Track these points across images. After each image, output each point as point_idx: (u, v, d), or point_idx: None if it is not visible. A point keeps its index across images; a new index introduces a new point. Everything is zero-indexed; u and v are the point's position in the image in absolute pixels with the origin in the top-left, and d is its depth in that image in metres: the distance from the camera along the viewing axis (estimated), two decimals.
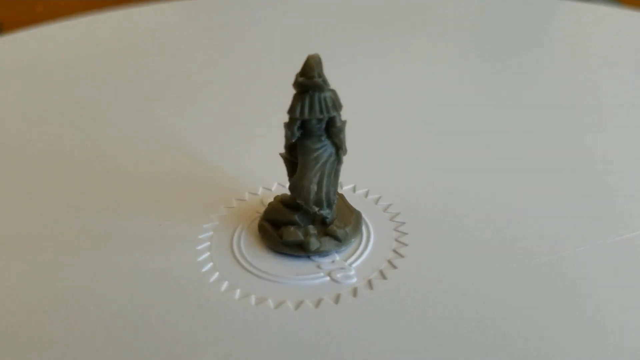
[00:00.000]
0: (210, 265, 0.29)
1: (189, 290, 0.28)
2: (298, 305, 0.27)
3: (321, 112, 0.26)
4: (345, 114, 0.27)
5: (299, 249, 0.29)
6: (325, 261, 0.29)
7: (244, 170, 0.35)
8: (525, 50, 0.54)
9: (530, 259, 0.29)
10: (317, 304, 0.27)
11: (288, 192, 0.29)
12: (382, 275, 0.28)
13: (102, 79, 0.50)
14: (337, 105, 0.26)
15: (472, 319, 0.26)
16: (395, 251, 0.29)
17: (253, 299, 0.27)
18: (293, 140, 0.27)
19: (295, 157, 0.28)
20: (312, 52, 0.26)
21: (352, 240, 0.30)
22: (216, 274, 0.28)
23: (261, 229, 0.30)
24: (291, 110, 0.26)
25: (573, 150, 0.37)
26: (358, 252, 0.29)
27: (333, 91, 0.26)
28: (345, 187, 0.34)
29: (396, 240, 0.30)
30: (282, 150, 0.28)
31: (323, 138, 0.27)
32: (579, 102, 0.43)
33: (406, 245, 0.30)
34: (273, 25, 0.60)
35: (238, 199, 0.33)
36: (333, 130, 0.27)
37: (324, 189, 0.28)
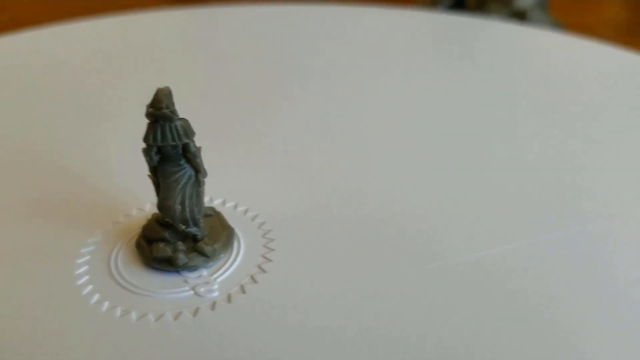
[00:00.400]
0: (86, 278, 0.31)
1: (59, 300, 0.30)
2: (158, 318, 0.29)
3: (173, 139, 0.29)
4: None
5: (168, 265, 0.31)
6: (192, 276, 0.31)
7: (134, 186, 0.37)
8: (445, 65, 0.56)
9: (407, 259, 0.31)
10: (177, 316, 0.29)
11: None
12: (242, 289, 0.30)
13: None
14: (188, 133, 0.29)
15: (331, 320, 0.28)
16: (259, 266, 0.31)
17: (118, 311, 0.29)
18: (153, 165, 0.30)
19: (158, 178, 0.30)
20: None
21: (222, 255, 0.32)
22: (90, 287, 0.30)
23: (137, 246, 0.32)
24: (145, 138, 0.29)
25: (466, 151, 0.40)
26: (226, 266, 0.31)
27: (184, 120, 0.29)
28: (215, 202, 0.36)
29: (262, 256, 0.32)
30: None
31: (182, 162, 0.30)
32: (496, 110, 0.46)
33: (271, 261, 0.32)
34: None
35: (126, 214, 0.35)
36: (188, 156, 0.30)
37: (187, 209, 0.30)
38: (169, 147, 0.29)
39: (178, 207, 0.30)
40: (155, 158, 0.30)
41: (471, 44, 0.59)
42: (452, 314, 0.29)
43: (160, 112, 0.28)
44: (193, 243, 0.31)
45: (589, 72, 0.53)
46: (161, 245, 0.31)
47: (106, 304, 0.30)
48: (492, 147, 0.42)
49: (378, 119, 0.46)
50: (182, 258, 0.30)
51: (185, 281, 0.31)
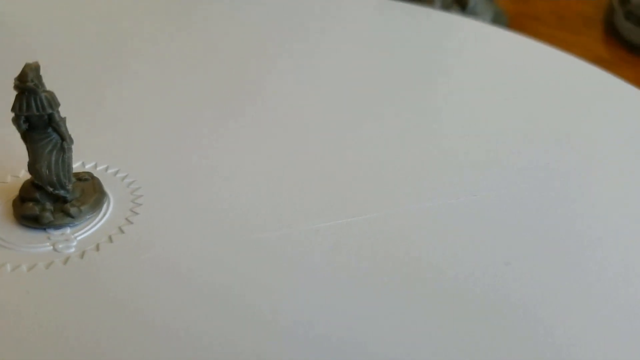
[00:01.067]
0: None
1: None
2: (14, 268, 0.32)
3: (37, 110, 0.32)
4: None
5: (35, 222, 0.34)
6: (57, 234, 0.34)
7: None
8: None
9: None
10: (30, 268, 0.32)
11: None
12: (97, 247, 0.33)
13: None
14: (53, 104, 0.32)
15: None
16: (120, 228, 0.34)
17: None
18: (22, 132, 0.33)
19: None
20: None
21: (88, 217, 0.34)
22: None
23: (13, 204, 0.35)
24: (12, 108, 0.32)
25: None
26: (90, 226, 0.34)
27: (50, 92, 0.32)
28: (88, 165, 0.39)
29: (126, 218, 0.35)
30: None
31: (49, 130, 0.33)
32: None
33: (132, 223, 0.35)
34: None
35: (13, 175, 0.38)
36: (53, 125, 0.33)
37: (54, 173, 0.33)
38: (35, 117, 0.32)
39: (45, 171, 0.33)
40: (24, 126, 0.33)
41: (402, 30, 0.61)
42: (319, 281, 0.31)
43: (25, 85, 0.31)
44: (62, 204, 0.34)
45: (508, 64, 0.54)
46: (30, 204, 0.34)
47: None
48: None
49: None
50: (47, 216, 0.33)
51: (49, 238, 0.34)
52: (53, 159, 0.33)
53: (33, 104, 0.32)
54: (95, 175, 0.37)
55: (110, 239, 0.34)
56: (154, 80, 0.49)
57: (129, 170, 0.38)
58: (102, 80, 0.49)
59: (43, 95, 0.32)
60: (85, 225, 0.34)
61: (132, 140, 0.42)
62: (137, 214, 0.35)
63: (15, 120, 0.32)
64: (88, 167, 0.38)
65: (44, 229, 0.34)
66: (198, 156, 0.40)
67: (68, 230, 0.34)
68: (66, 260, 0.32)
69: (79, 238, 0.34)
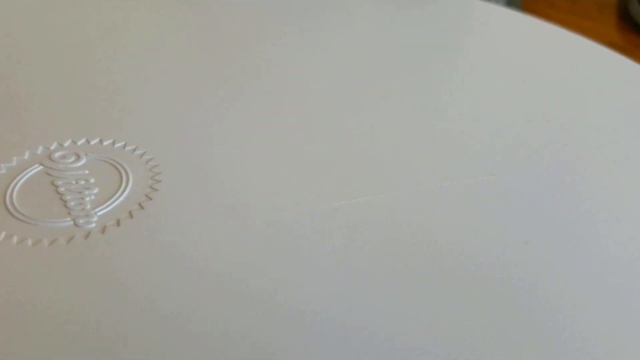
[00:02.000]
0: None
1: None
2: (35, 243, 0.32)
3: None
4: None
5: None
6: (77, 208, 0.34)
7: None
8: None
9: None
10: (52, 243, 0.32)
11: None
12: (118, 223, 0.33)
13: None
14: None
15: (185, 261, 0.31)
16: (139, 204, 0.34)
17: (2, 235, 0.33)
18: None
19: None
20: None
21: None
22: None
23: None
24: None
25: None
26: (110, 202, 0.34)
27: None
28: (105, 142, 0.39)
29: (146, 195, 0.35)
30: None
31: None
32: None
33: (151, 199, 0.35)
34: None
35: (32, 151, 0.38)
36: None
37: None
38: None
39: None
40: None
41: (415, 12, 0.61)
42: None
43: None
44: None
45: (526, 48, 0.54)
46: None
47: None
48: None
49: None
50: None
51: (69, 213, 0.34)
52: None
53: None
54: (113, 152, 0.37)
55: (130, 215, 0.34)
56: (169, 61, 0.49)
57: (147, 147, 0.38)
58: (119, 61, 0.49)
59: None
60: (105, 200, 0.35)
61: (149, 118, 0.42)
62: (156, 190, 0.35)
63: None
64: (106, 144, 0.39)
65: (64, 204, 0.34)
66: (213, 136, 0.40)
67: (88, 205, 0.34)
68: (87, 235, 0.32)
69: (99, 213, 0.34)
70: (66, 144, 0.39)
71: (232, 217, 0.34)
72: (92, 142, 0.39)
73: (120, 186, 0.35)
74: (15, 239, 0.32)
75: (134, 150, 0.38)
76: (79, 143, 0.39)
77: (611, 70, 0.50)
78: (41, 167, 0.37)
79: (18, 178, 0.36)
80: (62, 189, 0.35)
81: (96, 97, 0.44)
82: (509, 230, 0.34)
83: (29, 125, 0.41)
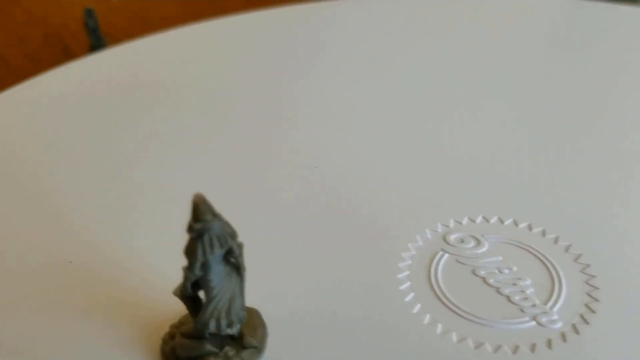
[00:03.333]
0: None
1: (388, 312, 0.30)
2: (496, 349, 0.29)
3: (221, 246, 0.25)
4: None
5: None
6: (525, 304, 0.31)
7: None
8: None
9: None
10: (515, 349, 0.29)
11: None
12: (584, 319, 0.30)
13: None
14: (232, 234, 0.26)
15: None
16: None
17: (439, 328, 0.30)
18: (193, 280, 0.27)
19: (195, 291, 0.27)
20: None
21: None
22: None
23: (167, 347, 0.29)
24: (192, 255, 0.25)
25: None
26: (554, 296, 0.31)
27: (225, 221, 0.26)
28: (506, 222, 0.35)
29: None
30: None
31: (221, 267, 0.26)
32: None
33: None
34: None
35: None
36: (231, 257, 0.26)
37: (233, 310, 0.28)
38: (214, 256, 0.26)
39: (224, 312, 0.27)
40: (200, 273, 0.26)
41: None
42: None
43: (211, 224, 0.25)
44: (235, 342, 0.29)
45: None
46: (211, 358, 0.28)
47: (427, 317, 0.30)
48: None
49: None
50: None
51: (522, 310, 0.30)
52: (235, 293, 0.27)
53: (216, 242, 0.25)
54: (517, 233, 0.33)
55: (589, 308, 0.30)
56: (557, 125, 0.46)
57: (571, 238, 0.35)
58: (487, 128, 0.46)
59: (223, 228, 0.26)
60: (547, 295, 0.31)
61: (555, 196, 0.38)
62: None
63: (192, 269, 0.26)
64: (507, 224, 0.35)
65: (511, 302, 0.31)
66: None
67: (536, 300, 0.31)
68: (562, 336, 0.29)
69: (554, 309, 0.30)
70: (464, 222, 0.36)
71: None
72: (491, 221, 0.36)
73: (551, 279, 0.32)
74: (454, 336, 0.29)
75: (556, 240, 0.35)
76: (477, 221, 0.36)
77: None
78: (446, 254, 0.34)
79: (433, 262, 0.33)
80: (491, 281, 0.32)
81: (475, 170, 0.41)
82: None
83: (420, 202, 0.38)
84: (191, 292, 0.27)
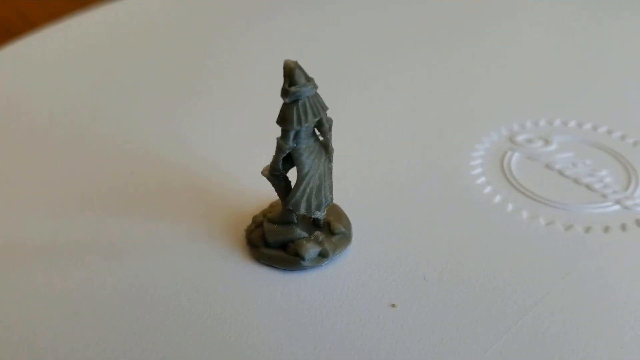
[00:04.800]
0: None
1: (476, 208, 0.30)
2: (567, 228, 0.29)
3: (314, 115, 0.24)
4: None
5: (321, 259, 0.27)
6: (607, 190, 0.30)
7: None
8: None
9: None
10: (587, 230, 0.29)
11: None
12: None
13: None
14: (323, 105, 0.25)
15: None
16: None
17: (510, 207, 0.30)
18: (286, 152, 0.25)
19: (286, 170, 0.26)
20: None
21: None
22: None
23: (264, 257, 0.27)
24: (287, 122, 0.24)
25: None
26: (632, 184, 0.31)
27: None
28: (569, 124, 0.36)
29: None
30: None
31: (311, 142, 0.25)
32: None
33: None
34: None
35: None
36: (322, 130, 0.25)
37: (323, 191, 0.27)
38: (305, 127, 0.25)
39: (313, 193, 0.26)
40: (293, 144, 0.25)
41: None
42: None
43: (304, 88, 0.24)
44: (316, 227, 0.28)
45: None
46: (304, 242, 0.27)
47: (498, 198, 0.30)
48: None
49: None
50: (330, 248, 0.27)
51: (603, 196, 0.30)
52: (324, 173, 0.26)
53: (310, 110, 0.24)
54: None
55: None
56: None
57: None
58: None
59: (317, 95, 0.24)
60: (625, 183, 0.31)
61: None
62: None
63: (286, 140, 0.25)
64: (586, 128, 0.35)
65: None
66: None
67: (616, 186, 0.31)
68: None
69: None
70: (527, 125, 0.36)
71: None
72: (554, 124, 0.35)
73: (627, 171, 0.32)
74: (542, 220, 0.29)
75: (608, 132, 0.35)
76: (540, 125, 0.35)
77: None
78: (516, 152, 0.33)
79: (505, 160, 0.33)
80: (568, 173, 0.32)
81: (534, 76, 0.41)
82: None
83: (482, 107, 0.37)
84: (282, 169, 0.26)
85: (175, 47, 0.46)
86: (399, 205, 0.30)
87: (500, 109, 0.37)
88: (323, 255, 0.27)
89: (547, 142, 0.34)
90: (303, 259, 0.27)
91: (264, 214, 0.29)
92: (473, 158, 0.33)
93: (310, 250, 0.27)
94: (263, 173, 0.26)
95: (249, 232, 0.28)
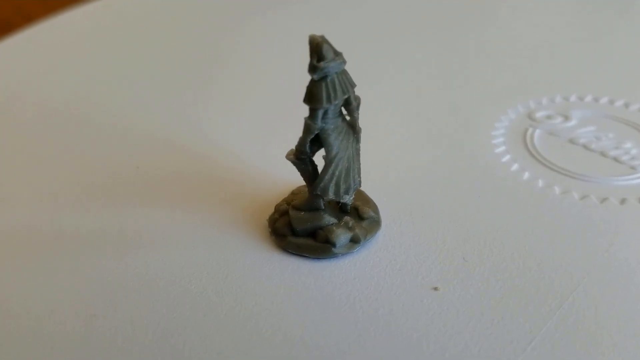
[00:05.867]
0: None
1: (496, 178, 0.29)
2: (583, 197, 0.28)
3: (343, 92, 0.23)
4: None
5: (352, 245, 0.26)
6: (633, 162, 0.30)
7: None
8: None
9: None
10: (603, 200, 0.28)
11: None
12: None
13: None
14: (351, 82, 0.23)
15: None
16: None
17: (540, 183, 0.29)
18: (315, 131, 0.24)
19: (313, 152, 0.25)
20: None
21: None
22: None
23: (292, 246, 0.26)
24: (316, 101, 0.22)
25: None
26: None
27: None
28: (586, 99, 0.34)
29: None
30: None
31: (339, 121, 0.24)
32: None
33: None
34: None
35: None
36: (350, 109, 0.24)
37: (351, 174, 0.25)
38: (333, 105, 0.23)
39: (342, 176, 0.25)
40: (321, 124, 0.23)
41: None
42: None
43: (333, 63, 0.22)
44: (343, 213, 0.26)
45: None
46: (335, 228, 0.25)
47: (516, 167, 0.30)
48: None
49: None
50: (361, 233, 0.26)
51: (632, 167, 0.29)
52: (352, 155, 0.25)
53: (339, 87, 0.22)
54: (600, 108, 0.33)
55: None
56: None
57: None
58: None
59: (345, 71, 0.23)
60: None
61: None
62: None
63: (314, 119, 0.23)
64: (603, 102, 0.34)
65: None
66: None
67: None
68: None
69: None
70: (544, 102, 0.35)
71: None
72: (571, 99, 0.35)
73: None
74: (575, 194, 0.28)
75: (625, 105, 0.34)
76: (557, 101, 0.35)
77: None
78: (537, 129, 0.32)
79: (527, 136, 0.32)
80: (593, 146, 0.31)
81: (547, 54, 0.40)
82: None
83: (497, 87, 0.36)
84: (309, 151, 0.25)
85: (182, 36, 0.45)
86: (425, 188, 0.29)
87: (515, 88, 0.36)
88: (354, 241, 0.25)
89: (566, 118, 0.33)
90: (334, 245, 0.25)
91: (287, 202, 0.27)
92: (494, 137, 0.32)
93: (342, 237, 0.25)
94: (288, 157, 0.25)
95: (273, 222, 0.27)
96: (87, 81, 0.39)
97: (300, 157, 0.25)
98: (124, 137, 0.33)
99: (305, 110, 0.23)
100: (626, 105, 0.34)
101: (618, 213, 0.27)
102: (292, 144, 0.25)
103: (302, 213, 0.26)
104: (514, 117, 0.33)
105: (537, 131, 0.32)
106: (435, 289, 0.24)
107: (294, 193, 0.28)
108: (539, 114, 0.33)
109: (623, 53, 0.40)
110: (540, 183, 0.29)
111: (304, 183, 0.26)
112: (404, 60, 0.40)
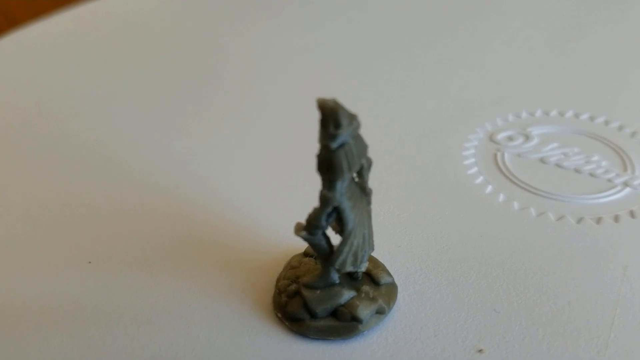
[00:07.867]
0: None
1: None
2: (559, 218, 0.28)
3: (359, 157, 0.21)
4: None
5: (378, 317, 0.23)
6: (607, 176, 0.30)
7: None
8: None
9: None
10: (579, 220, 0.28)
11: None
12: None
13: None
14: (365, 143, 0.21)
15: None
16: None
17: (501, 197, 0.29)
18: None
19: (328, 225, 0.22)
20: None
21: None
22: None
23: (313, 331, 0.23)
24: (337, 171, 0.20)
25: None
26: (628, 165, 0.31)
27: None
28: (582, 116, 0.35)
29: None
30: None
31: (351, 186, 0.21)
32: None
33: None
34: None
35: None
36: (362, 172, 0.22)
37: (366, 240, 0.23)
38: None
39: (359, 245, 0.22)
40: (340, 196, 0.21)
41: None
42: None
43: (349, 128, 0.19)
44: (354, 282, 0.24)
45: None
46: (357, 302, 0.23)
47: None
48: None
49: None
50: (381, 305, 0.23)
51: (610, 181, 0.30)
52: (365, 222, 0.22)
53: (355, 153, 0.20)
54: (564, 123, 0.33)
55: None
56: None
57: (621, 118, 0.34)
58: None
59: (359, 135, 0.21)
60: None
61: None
62: None
63: (333, 191, 0.20)
64: (552, 116, 0.34)
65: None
66: None
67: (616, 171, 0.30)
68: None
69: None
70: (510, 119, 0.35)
71: None
72: (536, 115, 0.35)
73: (617, 153, 0.32)
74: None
75: (606, 123, 0.34)
76: (522, 117, 0.35)
77: None
78: (505, 152, 0.32)
79: (498, 159, 0.31)
80: (565, 164, 0.31)
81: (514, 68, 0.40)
82: None
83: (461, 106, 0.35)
84: (326, 224, 0.22)
85: (168, 56, 0.42)
86: (417, 229, 0.27)
87: (481, 105, 0.36)
88: (380, 312, 0.23)
89: (527, 138, 0.33)
90: (361, 322, 0.23)
91: (290, 279, 0.24)
92: (467, 167, 0.31)
93: (366, 310, 0.23)
94: (299, 234, 0.22)
95: (282, 305, 0.23)
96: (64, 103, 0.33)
97: (314, 232, 0.22)
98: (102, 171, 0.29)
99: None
100: (591, 119, 0.35)
101: (622, 231, 0.27)
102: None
103: (318, 292, 0.23)
104: (482, 136, 0.33)
105: (506, 154, 0.32)
106: (480, 351, 0.22)
107: (292, 267, 0.25)
108: (500, 136, 0.33)
109: (589, 66, 0.41)
110: (533, 212, 0.28)
111: (298, 251, 0.23)
112: (368, 80, 0.39)
